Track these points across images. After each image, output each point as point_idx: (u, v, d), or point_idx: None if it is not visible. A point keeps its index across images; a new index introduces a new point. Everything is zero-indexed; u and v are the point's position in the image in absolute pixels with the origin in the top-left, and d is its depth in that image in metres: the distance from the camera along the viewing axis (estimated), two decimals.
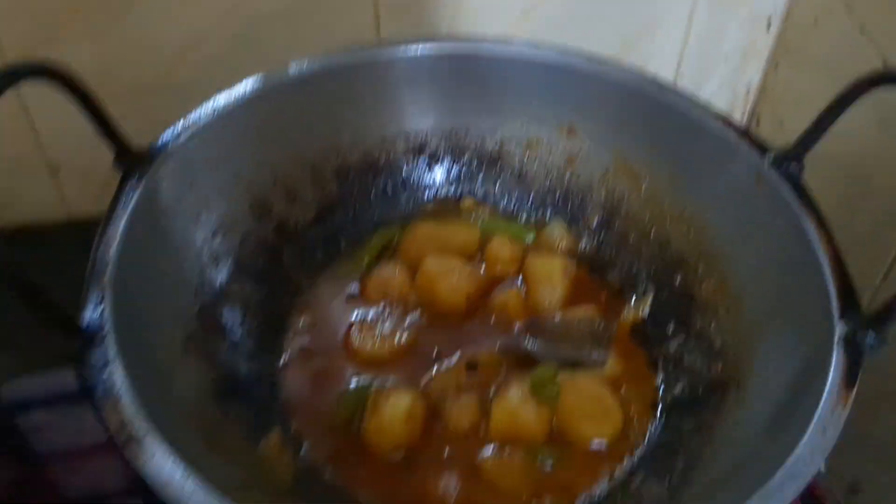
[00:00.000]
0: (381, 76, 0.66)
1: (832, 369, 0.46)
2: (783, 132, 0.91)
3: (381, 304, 0.62)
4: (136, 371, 0.44)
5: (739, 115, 0.98)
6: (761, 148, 0.58)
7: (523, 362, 0.59)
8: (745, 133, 0.59)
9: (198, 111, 0.59)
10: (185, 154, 0.56)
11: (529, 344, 0.59)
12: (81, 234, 0.82)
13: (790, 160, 0.56)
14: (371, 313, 0.62)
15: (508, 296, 0.63)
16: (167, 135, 0.57)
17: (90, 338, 0.44)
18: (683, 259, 0.63)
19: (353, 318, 0.62)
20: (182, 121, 0.58)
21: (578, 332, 0.60)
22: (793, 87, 0.90)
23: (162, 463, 0.40)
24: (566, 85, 0.66)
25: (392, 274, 0.63)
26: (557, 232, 0.68)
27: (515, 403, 0.55)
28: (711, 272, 0.60)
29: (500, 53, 0.66)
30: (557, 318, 0.61)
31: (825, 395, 0.45)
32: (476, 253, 0.67)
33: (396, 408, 0.54)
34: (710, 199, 0.61)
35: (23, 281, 0.42)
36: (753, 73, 0.94)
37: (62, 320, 0.45)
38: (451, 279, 0.62)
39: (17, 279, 0.41)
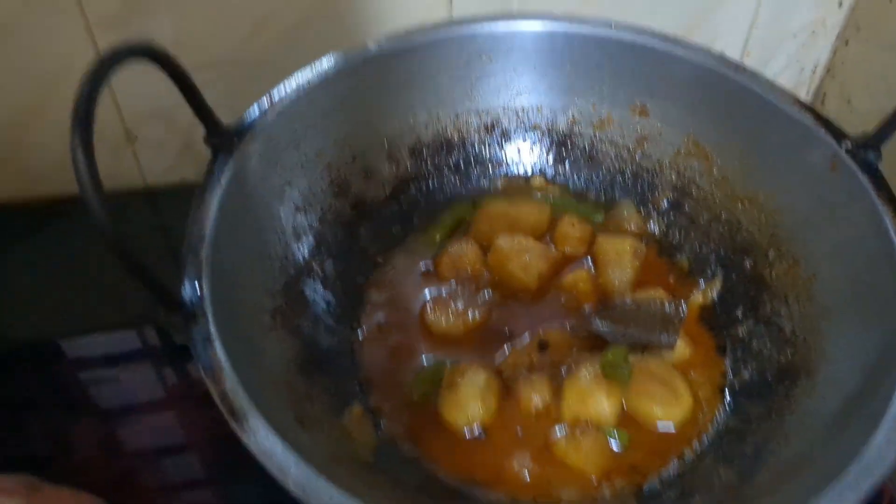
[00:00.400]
0: (456, 54, 0.67)
1: None
2: (851, 111, 0.91)
3: (454, 281, 0.64)
4: (232, 345, 0.46)
5: (805, 93, 0.97)
6: (838, 134, 0.58)
7: (594, 343, 0.60)
8: (821, 118, 0.59)
9: (281, 88, 0.60)
10: (270, 132, 0.58)
11: (600, 325, 0.61)
12: (156, 202, 0.86)
13: (868, 148, 0.56)
14: (444, 290, 0.64)
15: (578, 276, 0.64)
16: (253, 112, 0.58)
17: (191, 313, 0.46)
18: (754, 243, 0.63)
19: (427, 295, 0.63)
20: (267, 98, 0.59)
21: (648, 314, 0.61)
22: (863, 66, 0.89)
23: (263, 436, 0.42)
24: (640, 65, 0.66)
25: (464, 251, 0.65)
26: (627, 212, 0.68)
27: (587, 384, 0.57)
28: (783, 258, 0.61)
29: (574, 32, 0.66)
30: (628, 299, 0.62)
31: None
32: (546, 232, 0.68)
33: (472, 384, 0.56)
34: (783, 183, 0.62)
35: (129, 256, 0.44)
36: (821, 51, 0.92)
37: (163, 295, 0.47)
38: (523, 258, 0.63)
39: (124, 253, 0.43)
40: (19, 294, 0.76)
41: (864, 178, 0.55)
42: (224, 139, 0.55)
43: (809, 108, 0.60)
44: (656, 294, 0.63)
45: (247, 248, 0.55)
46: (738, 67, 0.63)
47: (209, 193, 0.52)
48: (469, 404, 0.56)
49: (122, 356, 0.80)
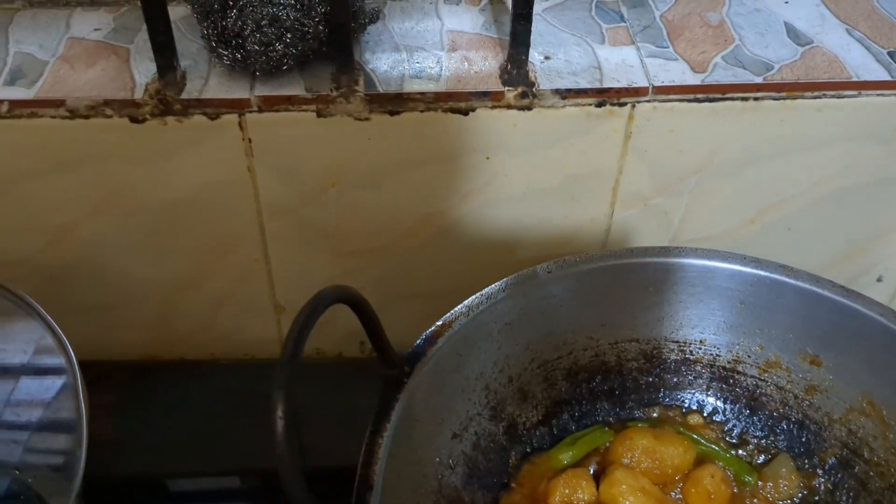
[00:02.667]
0: (620, 283, 0.66)
1: None
2: None
3: None
4: None
5: None
6: None
7: None
8: None
9: (452, 312, 0.60)
10: (438, 358, 0.57)
11: None
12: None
13: None
14: None
15: None
16: (424, 339, 0.58)
17: None
18: None
19: None
20: (439, 323, 0.59)
21: None
22: None
23: None
24: (815, 313, 0.64)
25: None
26: (785, 469, 0.64)
27: None
28: None
29: (747, 272, 0.65)
30: None
31: None
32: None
33: None
34: None
35: None
36: None
37: None
38: None
39: None
40: (140, 439, 0.80)
41: None
42: (398, 372, 0.54)
43: None
44: None
45: (406, 488, 0.54)
46: None
47: (380, 436, 0.51)
48: None
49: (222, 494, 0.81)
